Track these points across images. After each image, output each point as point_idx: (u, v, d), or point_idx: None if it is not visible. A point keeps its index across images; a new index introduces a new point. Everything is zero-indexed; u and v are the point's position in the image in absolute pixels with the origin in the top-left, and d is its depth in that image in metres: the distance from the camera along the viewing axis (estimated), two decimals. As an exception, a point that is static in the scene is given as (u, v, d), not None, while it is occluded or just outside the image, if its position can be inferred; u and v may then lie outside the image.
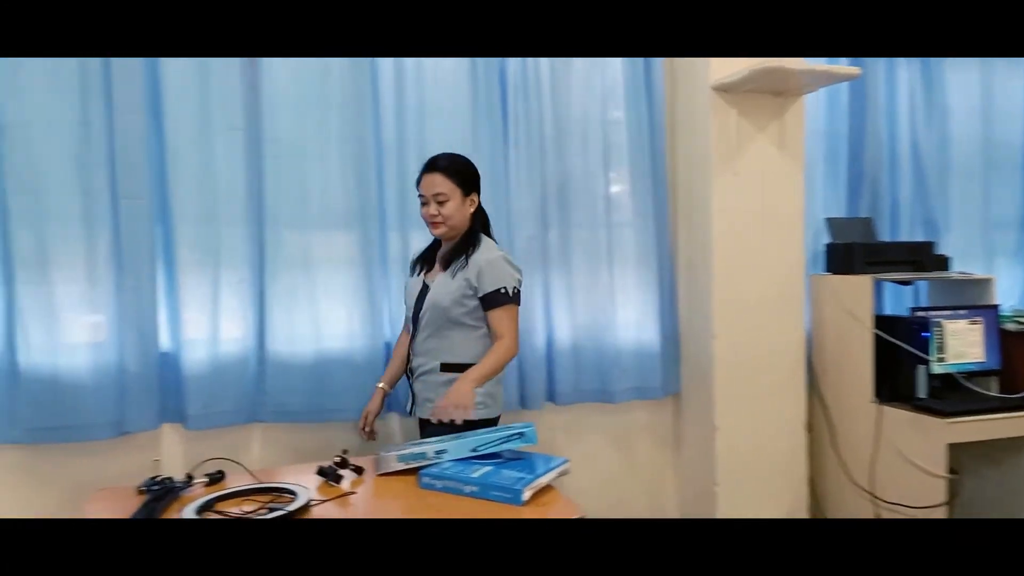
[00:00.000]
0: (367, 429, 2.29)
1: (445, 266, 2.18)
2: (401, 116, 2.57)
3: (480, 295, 2.13)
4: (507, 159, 2.68)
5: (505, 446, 1.87)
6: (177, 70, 2.31)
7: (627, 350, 2.85)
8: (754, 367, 2.82)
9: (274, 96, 2.43)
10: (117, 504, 1.64)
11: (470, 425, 2.04)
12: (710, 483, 2.81)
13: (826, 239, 3.02)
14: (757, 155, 2.80)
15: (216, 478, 1.81)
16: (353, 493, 1.71)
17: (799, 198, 2.87)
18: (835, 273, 2.94)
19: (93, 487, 1.87)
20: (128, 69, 2.24)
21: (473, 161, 2.22)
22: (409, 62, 2.56)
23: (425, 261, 2.29)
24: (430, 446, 1.86)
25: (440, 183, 2.13)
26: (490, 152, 2.63)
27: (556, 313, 2.78)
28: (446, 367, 2.16)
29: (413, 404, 2.27)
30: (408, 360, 2.27)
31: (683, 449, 3.03)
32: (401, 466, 1.84)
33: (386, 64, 2.55)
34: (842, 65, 2.80)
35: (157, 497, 1.63)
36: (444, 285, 2.15)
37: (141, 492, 1.70)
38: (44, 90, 2.16)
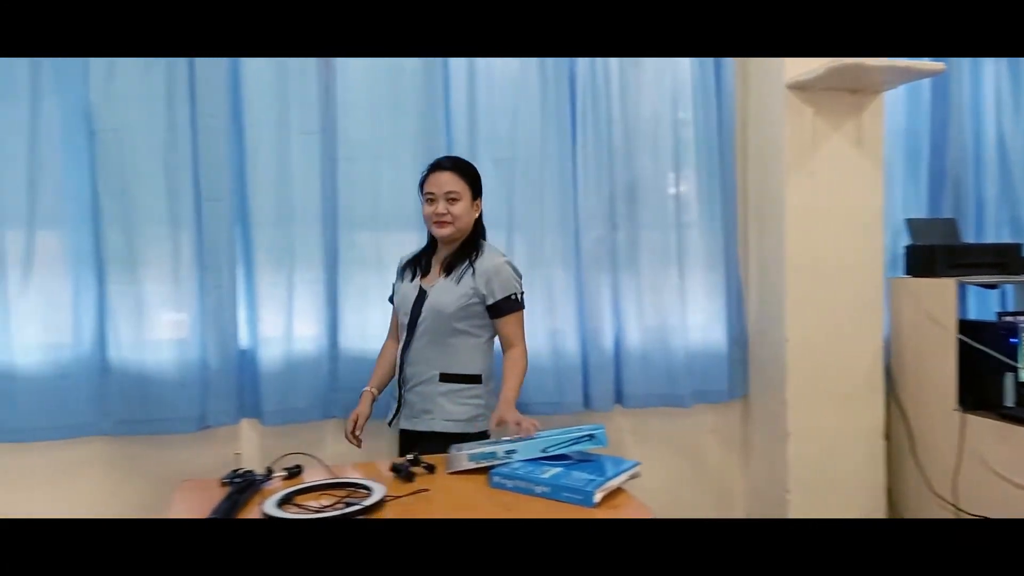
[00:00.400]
0: (356, 434, 2.20)
1: (448, 271, 2.13)
2: (472, 117, 2.59)
3: (490, 303, 2.10)
4: (575, 159, 2.68)
5: (575, 447, 1.86)
6: (256, 74, 2.38)
7: (695, 353, 2.82)
8: (829, 372, 2.74)
9: (348, 98, 2.48)
10: (202, 495, 1.69)
11: (465, 438, 2.04)
12: (781, 490, 2.75)
13: (906, 241, 2.92)
14: (833, 154, 2.72)
15: (294, 472, 1.85)
16: (426, 490, 1.73)
17: (878, 198, 2.79)
18: (916, 276, 2.84)
19: (177, 478, 1.93)
20: (211, 73, 2.32)
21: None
22: (480, 62, 2.58)
23: (417, 265, 2.22)
24: (500, 446, 1.86)
25: (452, 181, 2.10)
26: (558, 152, 2.63)
27: (625, 315, 2.76)
28: (445, 377, 2.12)
29: (396, 415, 2.21)
30: (400, 369, 2.20)
31: (752, 454, 2.97)
32: (472, 465, 1.85)
33: (458, 65, 2.57)
34: (924, 61, 2.69)
35: (240, 489, 1.68)
36: (447, 291, 2.10)
37: (224, 484, 1.76)
38: (135, 95, 2.25)
